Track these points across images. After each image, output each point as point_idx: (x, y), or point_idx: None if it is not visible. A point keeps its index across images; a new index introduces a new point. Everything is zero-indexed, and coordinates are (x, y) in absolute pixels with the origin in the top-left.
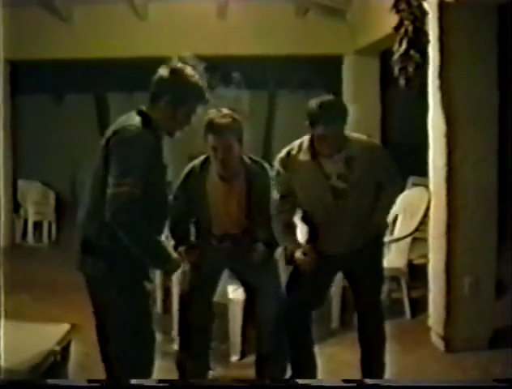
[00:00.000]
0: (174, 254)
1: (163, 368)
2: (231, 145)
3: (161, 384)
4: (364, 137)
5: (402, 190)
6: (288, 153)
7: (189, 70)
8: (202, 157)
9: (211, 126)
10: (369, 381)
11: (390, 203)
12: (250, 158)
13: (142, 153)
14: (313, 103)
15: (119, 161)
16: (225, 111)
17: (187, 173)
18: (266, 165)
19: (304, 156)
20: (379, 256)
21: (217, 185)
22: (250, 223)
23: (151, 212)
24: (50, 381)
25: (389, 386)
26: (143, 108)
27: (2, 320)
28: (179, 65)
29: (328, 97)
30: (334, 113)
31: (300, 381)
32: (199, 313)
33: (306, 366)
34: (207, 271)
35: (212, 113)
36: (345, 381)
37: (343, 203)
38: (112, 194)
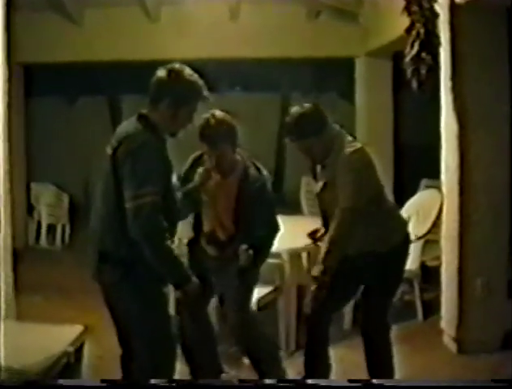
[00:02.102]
0: (192, 275)
1: (178, 370)
2: (223, 153)
3: (169, 384)
4: (351, 148)
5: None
6: None
7: (187, 70)
8: (195, 154)
9: (204, 135)
10: (375, 381)
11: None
12: (253, 162)
13: (153, 159)
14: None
15: (133, 172)
16: (219, 115)
17: (192, 161)
18: (265, 173)
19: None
20: (397, 266)
21: (213, 177)
22: (237, 229)
23: (167, 216)
24: (56, 381)
25: (392, 386)
26: (144, 111)
27: (2, 321)
28: (177, 66)
29: (299, 109)
30: (300, 126)
31: (303, 381)
32: (195, 322)
33: (321, 366)
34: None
35: (205, 118)
36: (350, 381)
37: (326, 203)
38: (134, 208)
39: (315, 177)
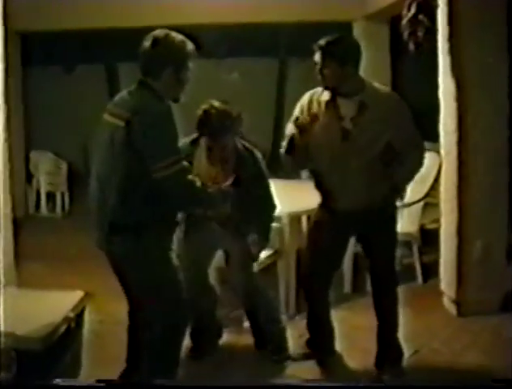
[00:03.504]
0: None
1: None
2: (226, 145)
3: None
4: (386, 88)
5: (422, 155)
6: (311, 97)
7: (173, 33)
8: (192, 136)
9: (204, 128)
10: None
11: (414, 169)
12: (244, 146)
13: (173, 127)
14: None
15: (159, 142)
16: (219, 106)
17: (189, 143)
18: (258, 154)
19: (324, 97)
20: (393, 220)
21: (204, 166)
22: (235, 211)
23: None
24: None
25: (395, 386)
26: (145, 79)
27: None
28: (162, 32)
29: (331, 37)
30: (333, 53)
31: (301, 381)
32: (194, 283)
33: (324, 332)
34: (201, 244)
35: (204, 110)
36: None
37: (349, 146)
38: (170, 176)
39: (341, 119)
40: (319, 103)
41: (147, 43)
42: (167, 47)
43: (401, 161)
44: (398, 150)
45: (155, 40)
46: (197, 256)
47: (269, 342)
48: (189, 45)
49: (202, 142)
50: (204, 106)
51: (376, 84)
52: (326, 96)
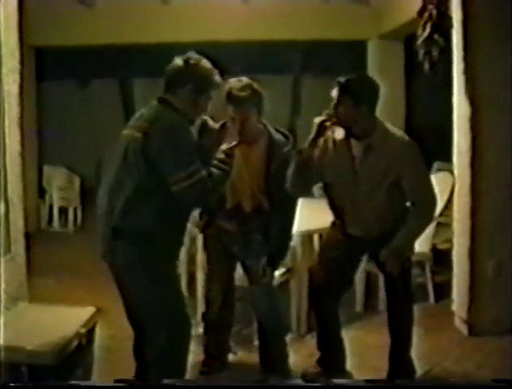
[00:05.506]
0: None
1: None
2: (249, 116)
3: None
4: (398, 131)
5: (430, 219)
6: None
7: (203, 60)
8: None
9: (230, 98)
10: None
11: (416, 231)
12: (276, 129)
13: (191, 137)
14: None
15: (177, 153)
16: (245, 81)
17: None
18: (290, 137)
19: (339, 135)
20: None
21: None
22: (265, 200)
23: None
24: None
25: (395, 386)
26: (164, 96)
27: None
28: (194, 56)
29: (344, 78)
30: (350, 91)
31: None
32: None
33: (335, 351)
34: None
35: (232, 83)
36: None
37: (358, 184)
38: (188, 187)
39: (353, 158)
40: (334, 140)
41: (176, 62)
42: (193, 67)
43: (408, 220)
44: (408, 196)
45: (187, 60)
46: (218, 266)
47: (271, 362)
48: (217, 77)
49: (228, 112)
50: (233, 79)
51: (389, 126)
52: (340, 134)
